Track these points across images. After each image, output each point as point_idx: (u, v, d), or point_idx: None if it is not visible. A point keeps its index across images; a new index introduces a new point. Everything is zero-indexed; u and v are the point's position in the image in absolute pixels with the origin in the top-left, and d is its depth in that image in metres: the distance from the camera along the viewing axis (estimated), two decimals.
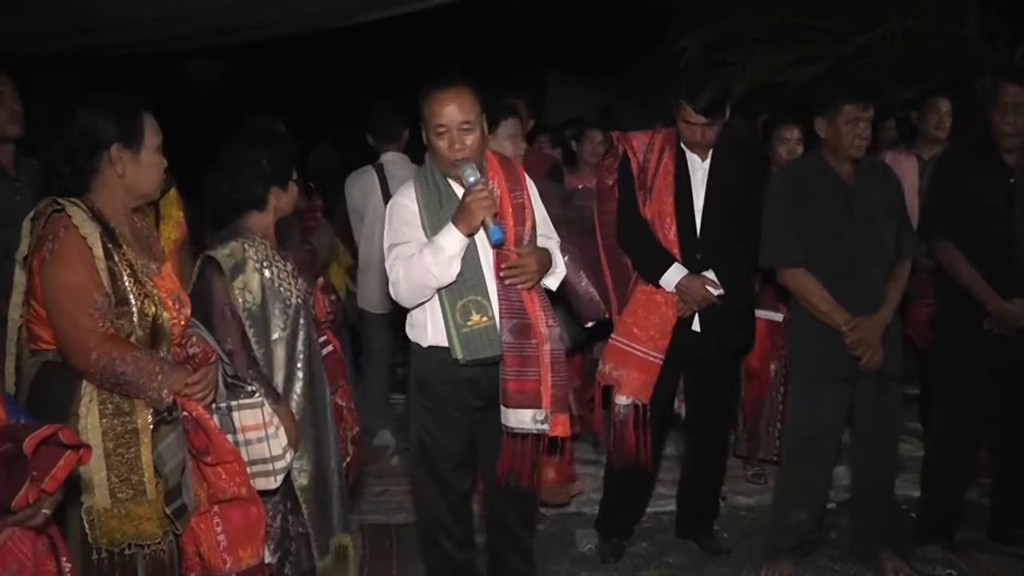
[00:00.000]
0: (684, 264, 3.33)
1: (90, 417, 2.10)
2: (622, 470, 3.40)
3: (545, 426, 2.71)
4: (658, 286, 3.34)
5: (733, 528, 3.85)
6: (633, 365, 3.32)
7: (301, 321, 2.61)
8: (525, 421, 2.70)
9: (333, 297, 2.85)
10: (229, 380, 2.37)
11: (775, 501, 3.53)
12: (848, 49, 5.94)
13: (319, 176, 7.25)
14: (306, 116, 9.39)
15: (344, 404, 2.86)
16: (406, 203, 2.72)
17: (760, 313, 4.19)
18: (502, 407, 2.72)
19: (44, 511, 1.68)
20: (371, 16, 5.39)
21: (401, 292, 2.68)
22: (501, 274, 2.68)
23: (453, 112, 2.61)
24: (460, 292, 2.65)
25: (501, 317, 2.67)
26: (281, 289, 2.58)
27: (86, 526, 2.09)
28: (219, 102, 8.77)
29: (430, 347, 2.75)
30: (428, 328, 2.75)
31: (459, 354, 2.65)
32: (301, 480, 2.59)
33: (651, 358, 3.33)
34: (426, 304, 2.73)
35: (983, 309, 3.35)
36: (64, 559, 1.81)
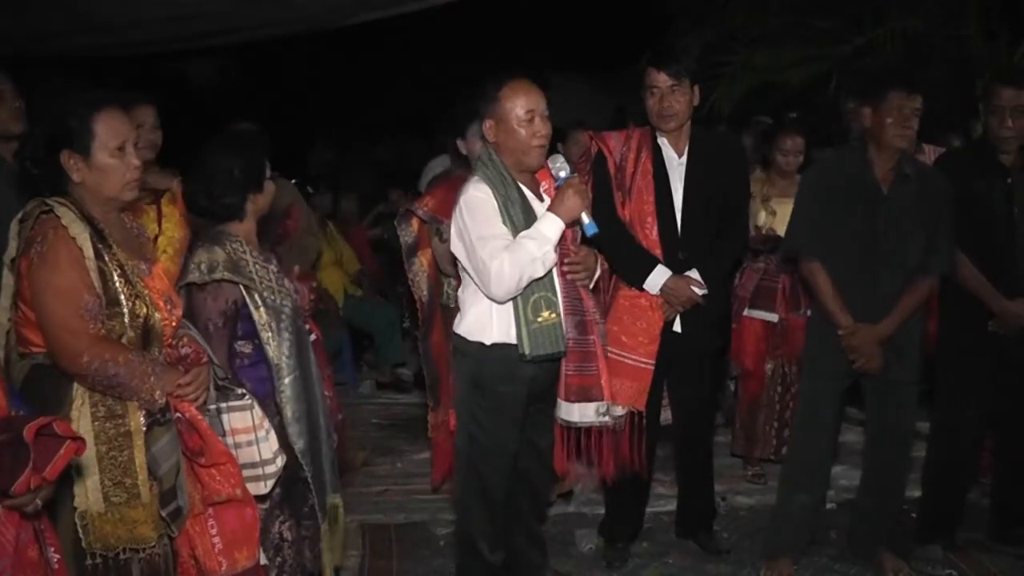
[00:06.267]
0: (667, 264, 3.27)
1: (82, 420, 2.08)
2: (618, 479, 3.29)
3: (607, 418, 2.83)
4: (641, 290, 3.28)
5: (733, 528, 3.84)
6: (626, 375, 3.22)
7: (283, 320, 2.59)
8: (589, 414, 2.83)
9: (314, 284, 2.85)
10: (220, 382, 2.36)
11: (779, 488, 3.49)
12: (848, 49, 5.92)
13: (317, 176, 7.27)
14: (305, 116, 9.41)
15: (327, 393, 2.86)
16: (485, 198, 2.69)
17: (755, 313, 4.18)
18: (562, 403, 2.79)
19: (38, 500, 1.71)
20: (371, 16, 5.39)
21: (507, 284, 2.60)
22: (565, 269, 2.75)
23: (538, 99, 2.69)
24: (532, 288, 2.67)
25: (565, 314, 2.74)
26: (265, 292, 2.56)
27: (80, 531, 2.07)
28: (220, 102, 8.77)
29: (493, 345, 2.73)
30: (493, 326, 2.73)
31: (526, 349, 2.66)
32: (300, 444, 2.58)
33: (643, 365, 3.25)
34: (493, 302, 2.71)
35: (985, 310, 3.34)
36: (52, 549, 1.82)
